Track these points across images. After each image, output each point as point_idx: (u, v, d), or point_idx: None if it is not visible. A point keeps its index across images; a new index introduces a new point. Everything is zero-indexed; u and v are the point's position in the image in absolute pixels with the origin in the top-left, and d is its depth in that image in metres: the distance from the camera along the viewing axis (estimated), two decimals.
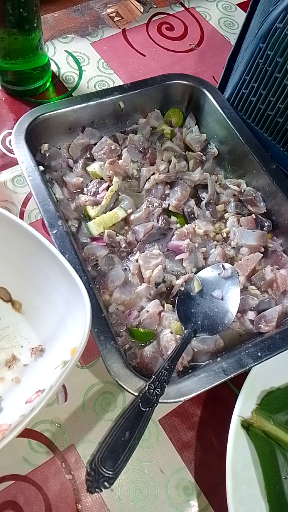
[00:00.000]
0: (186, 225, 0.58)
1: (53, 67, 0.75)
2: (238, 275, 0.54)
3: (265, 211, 0.61)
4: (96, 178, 0.61)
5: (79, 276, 0.44)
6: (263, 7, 0.62)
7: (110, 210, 0.58)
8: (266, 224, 0.60)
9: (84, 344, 0.41)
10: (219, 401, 0.52)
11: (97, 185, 0.60)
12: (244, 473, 0.44)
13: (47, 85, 0.73)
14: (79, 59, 0.78)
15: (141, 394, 0.42)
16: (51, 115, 0.60)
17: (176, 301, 0.53)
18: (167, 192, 0.61)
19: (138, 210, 0.59)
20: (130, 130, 0.66)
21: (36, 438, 0.47)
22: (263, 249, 0.58)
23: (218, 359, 0.47)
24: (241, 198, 0.62)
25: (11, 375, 0.48)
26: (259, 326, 0.52)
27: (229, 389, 0.53)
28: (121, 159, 0.61)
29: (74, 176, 0.61)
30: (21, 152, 0.56)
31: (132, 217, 0.58)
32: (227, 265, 0.55)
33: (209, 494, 0.47)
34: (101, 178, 0.61)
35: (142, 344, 0.51)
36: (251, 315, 0.53)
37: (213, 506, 0.46)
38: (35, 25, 0.62)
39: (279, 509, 0.44)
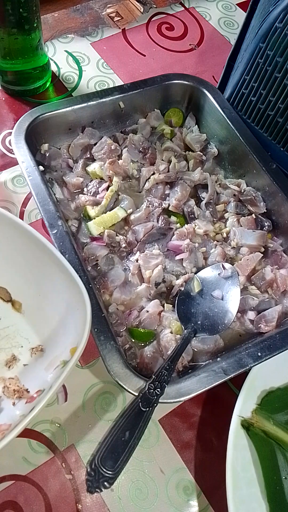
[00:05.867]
0: (186, 225, 0.58)
1: (53, 67, 0.75)
2: (238, 275, 0.54)
3: (265, 211, 0.61)
4: (96, 178, 0.61)
5: (79, 276, 0.44)
6: (263, 7, 0.62)
7: (110, 210, 0.58)
8: (266, 224, 0.60)
9: (84, 344, 0.41)
10: (219, 401, 0.52)
11: (97, 185, 0.60)
12: (244, 473, 0.44)
13: (47, 85, 0.73)
14: (79, 59, 0.78)
15: (141, 394, 0.42)
16: (51, 115, 0.60)
17: (176, 301, 0.53)
18: (167, 192, 0.61)
19: (138, 210, 0.59)
20: (130, 130, 0.66)
21: (36, 438, 0.47)
22: (263, 249, 0.58)
23: (218, 359, 0.47)
24: (241, 198, 0.62)
25: (11, 375, 0.48)
26: (259, 326, 0.52)
27: (229, 389, 0.53)
28: (121, 159, 0.61)
29: (74, 176, 0.61)
30: (21, 152, 0.56)
31: (132, 217, 0.58)
32: (227, 265, 0.55)
33: (209, 494, 0.47)
34: (101, 178, 0.61)
35: (142, 344, 0.51)
36: (251, 315, 0.53)
37: (213, 506, 0.46)
38: (35, 25, 0.62)
39: (279, 509, 0.44)
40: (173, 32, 0.84)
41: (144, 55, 0.80)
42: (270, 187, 0.60)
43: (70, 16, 0.83)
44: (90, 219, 0.58)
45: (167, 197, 0.61)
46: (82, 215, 0.59)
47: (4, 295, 0.52)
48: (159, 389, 0.43)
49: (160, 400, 0.43)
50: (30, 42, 0.64)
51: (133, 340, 0.51)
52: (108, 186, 0.59)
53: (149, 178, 0.62)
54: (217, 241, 0.59)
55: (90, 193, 0.60)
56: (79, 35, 0.81)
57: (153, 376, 0.44)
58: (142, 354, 0.50)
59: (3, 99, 0.71)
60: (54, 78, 0.74)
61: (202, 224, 0.58)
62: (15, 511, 0.44)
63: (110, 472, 0.38)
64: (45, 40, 0.78)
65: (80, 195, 0.60)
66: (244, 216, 0.60)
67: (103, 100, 0.63)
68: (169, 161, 0.63)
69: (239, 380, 0.48)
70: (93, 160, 0.63)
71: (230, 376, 0.45)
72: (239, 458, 0.45)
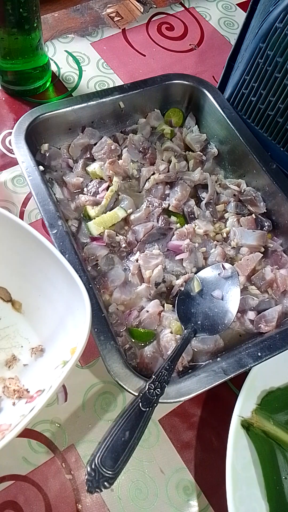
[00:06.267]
0: (186, 225, 0.58)
1: (53, 67, 0.75)
2: (238, 275, 0.54)
3: (265, 211, 0.61)
4: (96, 178, 0.61)
5: (79, 276, 0.44)
6: (263, 7, 0.62)
7: (110, 210, 0.58)
8: (266, 224, 0.60)
9: (84, 344, 0.41)
10: (219, 401, 0.52)
11: (97, 185, 0.60)
12: (244, 473, 0.44)
13: (47, 85, 0.73)
14: (79, 59, 0.78)
15: (141, 394, 0.42)
16: (51, 115, 0.60)
17: (176, 301, 0.53)
18: (167, 192, 0.61)
19: (138, 210, 0.59)
20: (130, 130, 0.66)
21: (36, 438, 0.47)
22: (263, 249, 0.58)
23: (218, 359, 0.47)
24: (241, 198, 0.62)
25: (11, 375, 0.48)
26: (259, 326, 0.52)
27: (229, 389, 0.53)
28: (121, 159, 0.61)
29: (74, 176, 0.61)
30: (21, 152, 0.56)
31: (132, 217, 0.58)
32: (227, 265, 0.55)
33: (209, 494, 0.47)
34: (101, 178, 0.61)
35: (142, 344, 0.51)
36: (251, 315, 0.53)
37: (213, 506, 0.46)
38: (35, 25, 0.62)
39: (279, 509, 0.44)
40: (173, 32, 0.84)
41: (144, 55, 0.80)
42: (270, 187, 0.60)
43: (70, 16, 0.83)
44: (90, 219, 0.58)
45: (167, 197, 0.61)
46: (82, 215, 0.59)
47: (4, 295, 0.52)
48: (159, 389, 0.43)
49: (160, 400, 0.43)
50: (30, 42, 0.64)
51: (133, 340, 0.51)
52: (108, 186, 0.59)
53: (149, 178, 0.62)
54: (217, 241, 0.59)
55: (90, 193, 0.60)
56: (79, 35, 0.81)
57: (153, 376, 0.44)
58: (142, 354, 0.50)
59: (3, 99, 0.71)
60: (54, 78, 0.74)
61: (202, 224, 0.58)
62: (15, 511, 0.44)
63: (110, 472, 0.38)
64: (45, 40, 0.78)
65: (80, 195, 0.60)
66: (244, 216, 0.60)
67: (103, 100, 0.63)
68: (169, 161, 0.63)
69: (239, 380, 0.48)
70: (93, 160, 0.63)
71: (230, 376, 0.45)
72: (239, 458, 0.45)
